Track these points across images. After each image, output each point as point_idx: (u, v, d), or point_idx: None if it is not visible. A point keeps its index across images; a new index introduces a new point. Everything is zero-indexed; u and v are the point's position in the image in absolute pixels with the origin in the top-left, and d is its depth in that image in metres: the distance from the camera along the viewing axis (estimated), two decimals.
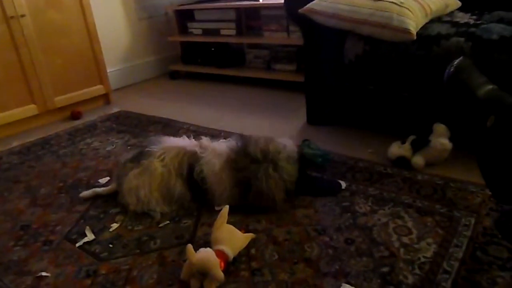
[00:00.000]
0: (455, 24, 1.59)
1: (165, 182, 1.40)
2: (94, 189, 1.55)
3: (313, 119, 2.09)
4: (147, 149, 1.45)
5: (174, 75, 3.33)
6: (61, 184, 1.69)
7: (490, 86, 1.01)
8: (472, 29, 1.51)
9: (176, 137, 1.55)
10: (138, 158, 1.44)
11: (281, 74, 2.77)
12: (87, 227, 1.37)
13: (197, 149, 1.42)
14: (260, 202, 1.34)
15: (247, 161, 1.35)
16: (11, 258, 1.25)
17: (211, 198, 1.40)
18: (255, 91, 2.80)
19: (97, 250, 1.25)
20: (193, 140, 1.49)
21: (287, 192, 1.37)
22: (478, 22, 1.58)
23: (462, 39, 1.49)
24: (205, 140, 1.47)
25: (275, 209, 1.35)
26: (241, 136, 1.45)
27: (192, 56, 3.29)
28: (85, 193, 1.55)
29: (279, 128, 1.52)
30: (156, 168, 1.39)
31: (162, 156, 1.42)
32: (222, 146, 1.44)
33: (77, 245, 1.28)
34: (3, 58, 2.22)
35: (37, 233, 1.37)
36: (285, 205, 1.37)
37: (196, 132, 2.10)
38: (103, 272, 1.15)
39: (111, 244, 1.28)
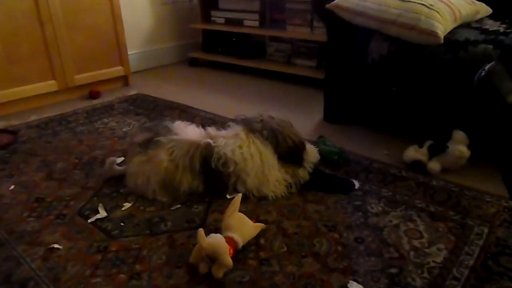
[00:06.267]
0: (484, 31, 1.57)
1: (170, 177, 1.37)
2: (114, 169, 1.56)
3: (330, 117, 2.08)
4: (156, 138, 1.40)
5: (193, 63, 3.34)
6: (76, 161, 1.71)
7: None
8: (501, 37, 1.48)
9: (190, 123, 1.53)
10: (147, 145, 1.41)
11: (301, 70, 2.75)
12: (100, 204, 1.38)
13: (209, 140, 1.39)
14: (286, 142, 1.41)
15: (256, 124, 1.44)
16: (24, 228, 1.28)
17: (236, 181, 1.38)
18: (274, 84, 2.79)
19: (108, 227, 1.27)
20: (202, 130, 1.48)
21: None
22: (508, 30, 1.55)
23: (490, 46, 1.46)
24: (211, 130, 1.47)
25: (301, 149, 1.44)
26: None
27: (213, 45, 3.29)
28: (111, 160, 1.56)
29: (295, 123, 1.52)
30: (161, 161, 1.36)
31: (171, 150, 1.38)
32: (229, 130, 1.45)
33: (89, 221, 1.30)
34: (28, 33, 2.24)
35: (51, 206, 1.39)
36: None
37: (212, 120, 2.11)
38: (114, 249, 1.17)
39: (123, 222, 1.29)
